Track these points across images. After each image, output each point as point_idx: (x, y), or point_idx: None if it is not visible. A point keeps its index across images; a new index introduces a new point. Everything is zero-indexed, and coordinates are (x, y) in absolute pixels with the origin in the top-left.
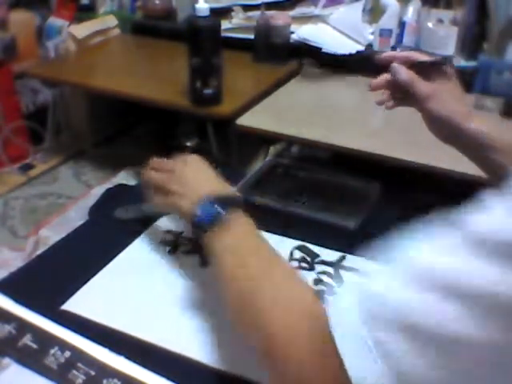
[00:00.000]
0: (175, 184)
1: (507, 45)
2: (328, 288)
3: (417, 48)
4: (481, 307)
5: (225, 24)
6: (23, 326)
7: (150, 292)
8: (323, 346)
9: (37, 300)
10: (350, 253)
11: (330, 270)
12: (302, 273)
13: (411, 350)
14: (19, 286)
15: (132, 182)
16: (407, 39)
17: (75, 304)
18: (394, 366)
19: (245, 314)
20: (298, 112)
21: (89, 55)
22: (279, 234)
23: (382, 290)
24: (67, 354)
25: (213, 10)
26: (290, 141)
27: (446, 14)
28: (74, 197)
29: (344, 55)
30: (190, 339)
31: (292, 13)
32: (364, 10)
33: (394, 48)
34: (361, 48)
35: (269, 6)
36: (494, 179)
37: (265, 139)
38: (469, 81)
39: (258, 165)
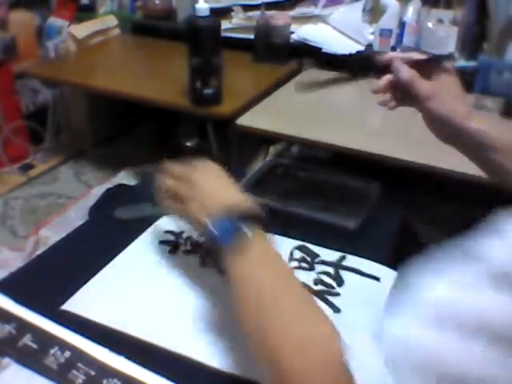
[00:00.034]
0: (191, 192)
1: (507, 45)
2: (328, 288)
3: (417, 48)
4: (506, 343)
5: (225, 24)
6: (23, 326)
7: (149, 292)
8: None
9: (37, 300)
10: (350, 253)
11: (330, 269)
12: (302, 273)
13: None
14: (19, 285)
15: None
16: (407, 39)
17: (75, 304)
18: None
19: (258, 346)
20: (298, 112)
21: (89, 55)
22: (279, 234)
23: (404, 334)
24: (67, 353)
25: (213, 10)
26: (290, 141)
27: (446, 14)
28: (74, 197)
29: (344, 55)
30: (190, 339)
31: (292, 13)
32: (364, 10)
33: (393, 48)
34: (361, 48)
35: (269, 6)
36: (494, 179)
37: (265, 139)
38: (469, 81)
39: (258, 165)
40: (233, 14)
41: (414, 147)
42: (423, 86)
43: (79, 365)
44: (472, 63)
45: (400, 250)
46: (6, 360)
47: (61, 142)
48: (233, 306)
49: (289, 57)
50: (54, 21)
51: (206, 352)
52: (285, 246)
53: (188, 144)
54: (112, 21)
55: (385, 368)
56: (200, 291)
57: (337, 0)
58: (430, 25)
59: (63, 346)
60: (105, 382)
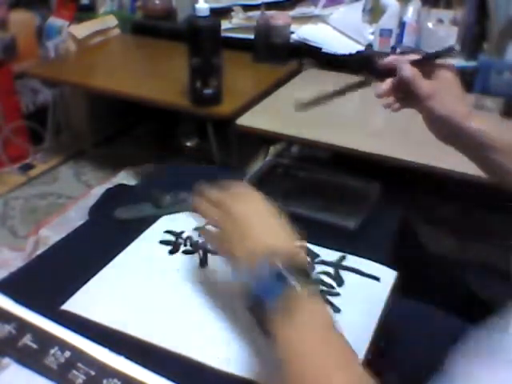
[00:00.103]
0: (230, 226)
1: (507, 45)
2: (328, 288)
3: (417, 48)
4: None
5: (225, 24)
6: (23, 326)
7: (149, 292)
8: None
9: (37, 300)
10: (350, 253)
11: (330, 269)
12: None
13: None
14: (19, 285)
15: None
16: (407, 39)
17: (75, 304)
18: None
19: None
20: (297, 112)
21: (89, 55)
22: None
23: None
24: (67, 353)
25: (213, 10)
26: (290, 141)
27: (446, 14)
28: (74, 197)
29: (344, 55)
30: (190, 339)
31: (292, 13)
32: (364, 10)
33: (394, 48)
34: (361, 48)
35: (269, 6)
36: (494, 179)
37: (265, 139)
38: (469, 81)
39: (257, 165)
40: (233, 14)
41: (414, 147)
42: (424, 85)
43: (79, 365)
44: (472, 63)
45: (400, 250)
46: (6, 360)
47: (61, 142)
48: (276, 363)
49: (289, 57)
50: (54, 21)
51: (206, 352)
52: None
53: (188, 144)
54: (112, 21)
55: None
56: (200, 291)
57: (337, 0)
58: (430, 25)
59: (63, 345)
60: (105, 382)
